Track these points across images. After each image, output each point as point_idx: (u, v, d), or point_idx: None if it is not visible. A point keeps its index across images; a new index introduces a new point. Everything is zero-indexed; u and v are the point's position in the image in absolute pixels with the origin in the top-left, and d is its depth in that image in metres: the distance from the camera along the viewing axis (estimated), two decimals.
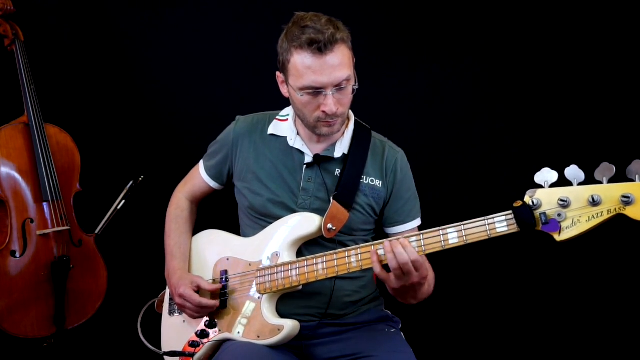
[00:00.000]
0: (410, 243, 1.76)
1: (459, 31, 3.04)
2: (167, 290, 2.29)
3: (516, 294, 3.08)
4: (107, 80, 3.30)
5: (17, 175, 2.82)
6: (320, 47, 1.84)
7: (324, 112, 1.92)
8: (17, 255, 2.77)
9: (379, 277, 1.81)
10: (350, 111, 2.13)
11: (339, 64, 1.87)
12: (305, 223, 2.02)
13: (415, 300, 1.90)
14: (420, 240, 1.77)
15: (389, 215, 2.13)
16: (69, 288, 2.87)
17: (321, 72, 1.86)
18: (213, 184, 2.28)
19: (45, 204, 2.85)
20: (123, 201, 3.00)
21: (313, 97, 1.91)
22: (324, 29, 1.85)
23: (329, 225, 2.00)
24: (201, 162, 2.31)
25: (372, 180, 2.09)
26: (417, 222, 2.16)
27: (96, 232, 2.99)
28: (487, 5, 2.98)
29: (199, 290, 2.10)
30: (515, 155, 3.01)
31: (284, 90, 2.05)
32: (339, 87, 1.89)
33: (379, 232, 2.19)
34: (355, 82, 1.95)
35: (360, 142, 2.11)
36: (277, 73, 2.04)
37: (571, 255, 2.89)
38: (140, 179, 3.02)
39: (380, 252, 1.81)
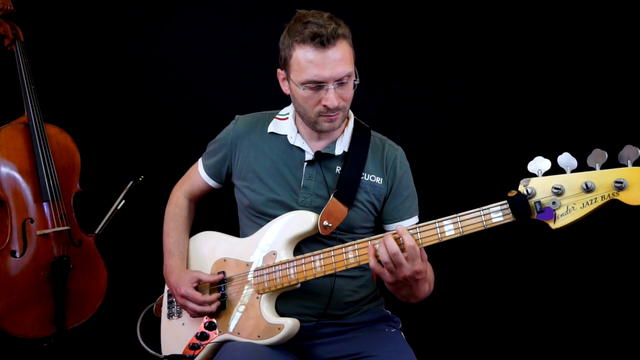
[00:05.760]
0: (407, 231, 1.75)
1: (456, 35, 3.08)
2: (165, 294, 2.29)
3: (515, 288, 3.09)
4: (107, 81, 3.32)
5: (17, 175, 2.82)
6: (322, 40, 1.85)
7: (325, 106, 1.92)
8: (17, 255, 2.77)
9: (374, 271, 1.80)
10: (350, 110, 2.13)
11: (340, 58, 1.88)
12: (301, 221, 2.02)
13: (414, 298, 1.87)
14: (416, 233, 1.76)
15: (387, 211, 2.13)
16: (69, 288, 2.87)
17: (323, 66, 1.87)
18: (212, 182, 2.28)
19: (45, 204, 2.86)
20: (123, 201, 3.01)
21: (314, 91, 1.91)
22: (326, 24, 1.87)
23: (325, 222, 1.99)
24: (200, 161, 2.31)
25: (372, 178, 2.09)
26: (415, 219, 2.16)
27: (96, 232, 3.00)
28: (481, 12, 3.03)
29: (198, 287, 2.10)
30: (508, 145, 3.03)
31: (284, 87, 2.06)
32: (340, 81, 1.90)
33: (378, 231, 2.19)
34: (357, 78, 1.95)
35: (360, 140, 2.12)
36: (278, 70, 2.05)
37: (567, 243, 2.90)
38: (140, 179, 3.03)
39: (378, 246, 1.80)
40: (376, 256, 1.78)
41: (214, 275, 2.12)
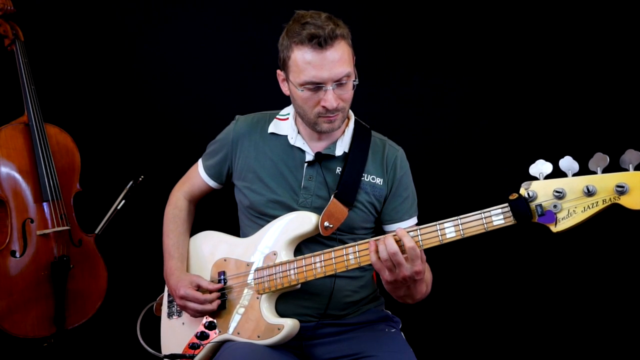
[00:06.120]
0: (407, 233, 1.75)
1: (456, 36, 3.08)
2: (165, 293, 2.29)
3: (515, 289, 3.09)
4: (107, 81, 3.32)
5: (17, 175, 2.82)
6: (320, 41, 1.85)
7: (324, 107, 1.92)
8: (17, 255, 2.77)
9: (375, 267, 1.80)
10: (351, 111, 2.13)
11: (339, 59, 1.88)
12: (301, 221, 2.02)
13: (410, 299, 1.88)
14: (417, 235, 1.76)
15: (386, 212, 2.13)
16: (69, 288, 2.87)
17: (321, 67, 1.87)
18: (212, 183, 2.28)
19: (45, 204, 2.85)
20: (123, 201, 3.00)
21: (313, 92, 1.91)
22: (324, 25, 1.86)
23: (326, 223, 1.99)
24: (200, 162, 2.31)
25: (373, 178, 2.09)
26: (414, 220, 2.16)
27: (96, 232, 3.00)
28: (482, 13, 3.03)
29: (199, 290, 2.10)
30: (510, 148, 3.03)
31: (284, 88, 2.05)
32: (339, 82, 1.90)
33: (378, 232, 2.19)
34: (356, 78, 1.95)
35: (360, 140, 2.11)
36: (278, 71, 2.04)
37: (568, 246, 2.91)
38: (140, 179, 3.03)
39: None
40: (377, 252, 1.78)
41: (213, 282, 2.11)
